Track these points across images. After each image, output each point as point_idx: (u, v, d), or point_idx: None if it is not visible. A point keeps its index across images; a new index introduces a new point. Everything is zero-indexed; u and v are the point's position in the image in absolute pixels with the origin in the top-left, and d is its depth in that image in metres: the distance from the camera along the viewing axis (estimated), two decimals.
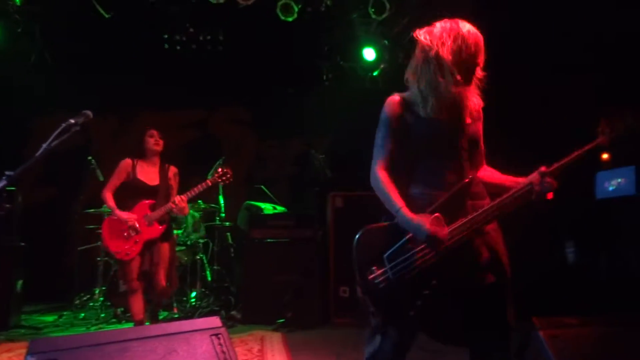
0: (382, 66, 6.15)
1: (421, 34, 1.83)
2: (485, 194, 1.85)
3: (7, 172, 2.22)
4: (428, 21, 1.91)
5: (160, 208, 3.82)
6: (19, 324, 4.64)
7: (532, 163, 1.83)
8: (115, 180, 3.88)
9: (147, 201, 3.86)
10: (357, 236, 1.76)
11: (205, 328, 1.76)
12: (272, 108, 6.76)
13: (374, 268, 1.72)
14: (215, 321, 1.82)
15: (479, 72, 1.81)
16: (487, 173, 1.94)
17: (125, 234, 3.76)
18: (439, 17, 1.85)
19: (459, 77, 1.73)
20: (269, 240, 4.94)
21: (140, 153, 3.97)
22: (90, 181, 5.42)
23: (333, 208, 5.04)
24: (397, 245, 1.72)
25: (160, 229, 3.82)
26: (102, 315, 4.88)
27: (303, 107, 6.60)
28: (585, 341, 1.90)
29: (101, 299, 5.00)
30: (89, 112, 2.52)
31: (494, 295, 1.75)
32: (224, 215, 5.52)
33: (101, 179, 5.33)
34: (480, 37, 1.79)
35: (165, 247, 3.89)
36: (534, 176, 1.76)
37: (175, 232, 5.30)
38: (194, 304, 5.10)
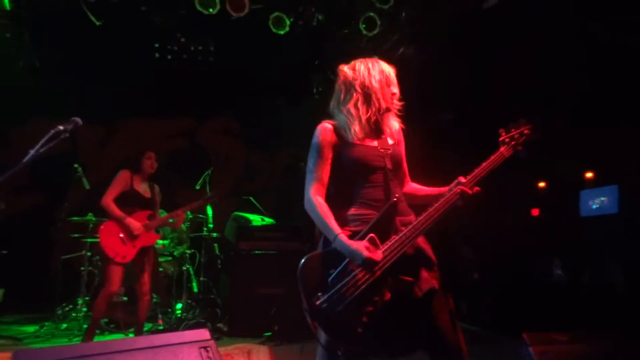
0: None
1: (345, 69, 2.05)
2: (410, 211, 2.00)
3: None
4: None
5: (159, 218, 4.21)
6: None
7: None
8: (116, 189, 4.06)
9: (145, 211, 4.14)
10: (300, 264, 1.83)
11: (194, 340, 1.74)
12: (262, 120, 6.79)
13: (319, 294, 1.78)
14: (204, 334, 1.80)
15: (396, 101, 2.02)
16: (413, 187, 2.13)
17: (123, 237, 3.97)
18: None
19: (382, 105, 1.96)
20: (256, 252, 4.91)
21: (135, 168, 4.20)
22: (76, 189, 5.35)
23: None
24: (338, 269, 1.80)
25: (156, 237, 4.21)
26: (85, 326, 4.77)
27: (292, 119, 6.63)
28: (574, 357, 1.92)
29: (84, 309, 4.89)
30: (78, 119, 2.50)
31: (439, 302, 1.86)
32: (211, 226, 5.48)
33: (87, 187, 5.27)
34: (393, 72, 2.04)
35: (152, 253, 4.22)
36: (454, 185, 1.92)
37: (161, 242, 5.26)
38: (179, 315, 5.03)
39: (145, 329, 4.85)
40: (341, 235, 1.81)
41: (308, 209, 1.92)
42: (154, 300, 4.98)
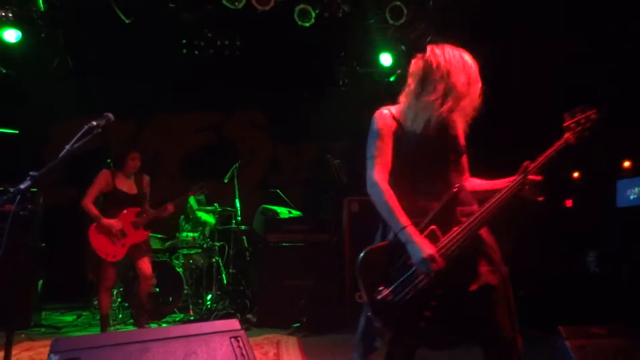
0: (398, 72, 6.14)
1: (431, 54, 1.88)
2: (472, 200, 1.91)
3: (31, 173, 2.27)
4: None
5: (148, 213, 4.26)
6: (39, 323, 4.72)
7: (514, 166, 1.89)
8: (94, 190, 4.17)
9: (133, 209, 4.23)
10: (359, 258, 1.78)
11: (225, 330, 1.77)
12: (288, 113, 6.80)
13: (380, 288, 1.74)
14: (234, 324, 1.83)
15: (473, 101, 1.87)
16: (474, 183, 2.02)
17: (112, 238, 4.11)
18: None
19: (460, 104, 1.82)
20: (284, 244, 4.95)
21: (119, 166, 4.33)
22: None
23: (349, 212, 5.03)
24: (400, 263, 1.75)
25: (146, 233, 4.27)
26: (120, 316, 4.94)
27: (319, 112, 6.62)
28: (613, 352, 1.85)
29: (119, 299, 5.06)
30: (110, 115, 2.57)
31: (496, 297, 1.79)
32: (240, 218, 5.55)
33: None
34: (476, 70, 1.88)
35: (147, 242, 4.38)
36: (519, 173, 1.83)
37: (191, 235, 5.35)
38: (209, 306, 5.13)
39: (177, 319, 4.99)
40: (410, 228, 1.73)
41: (372, 196, 1.84)
42: (185, 291, 5.09)
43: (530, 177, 1.80)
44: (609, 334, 1.91)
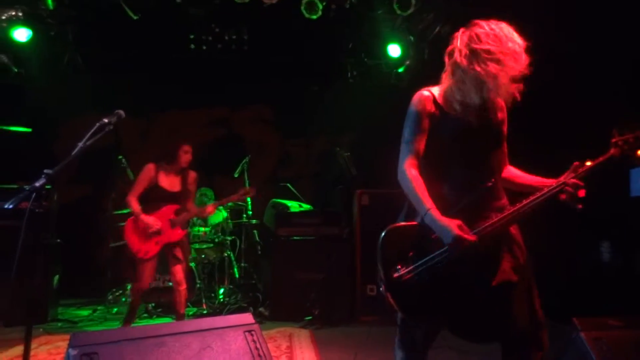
0: (407, 62, 6.10)
1: (475, 30, 1.78)
2: (504, 195, 1.88)
3: (45, 171, 2.30)
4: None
5: (187, 213, 4.10)
6: (55, 318, 4.81)
7: (553, 166, 1.85)
8: (139, 186, 4.05)
9: (172, 206, 4.07)
10: (382, 235, 1.79)
11: (239, 324, 1.79)
12: (296, 106, 6.79)
13: (398, 267, 1.74)
14: (247, 318, 1.84)
15: (516, 75, 1.76)
16: (512, 173, 1.96)
17: (147, 234, 3.96)
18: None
19: (504, 82, 1.72)
20: (295, 237, 4.97)
21: (167, 159, 4.11)
22: (121, 180, 5.56)
23: (359, 205, 5.03)
24: (421, 245, 1.75)
25: (181, 233, 4.09)
26: None
27: (327, 105, 6.60)
28: (630, 344, 1.82)
29: None
30: (121, 112, 2.58)
31: (516, 293, 1.77)
32: (250, 213, 5.58)
33: (132, 177, 5.46)
34: (522, 43, 1.76)
35: (186, 246, 4.17)
36: (566, 175, 1.76)
37: (202, 229, 5.40)
38: (222, 300, 5.18)
39: (190, 313, 5.03)
40: (433, 210, 1.71)
41: (401, 181, 1.82)
42: (198, 285, 5.15)
43: (574, 180, 1.74)
44: (625, 326, 1.88)
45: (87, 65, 6.03)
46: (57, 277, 4.92)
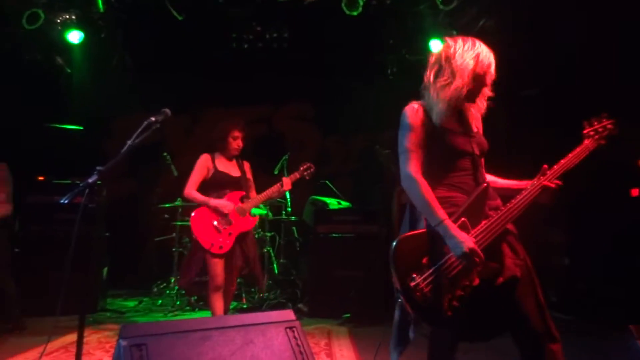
0: None
1: (444, 45, 1.99)
2: (496, 195, 1.98)
3: (97, 167, 2.40)
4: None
5: (254, 200, 3.71)
6: (104, 308, 5.03)
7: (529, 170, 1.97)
8: (196, 177, 3.70)
9: (237, 192, 3.71)
10: (393, 247, 1.82)
11: (280, 321, 1.81)
12: (336, 103, 6.79)
13: (414, 275, 1.77)
14: (289, 314, 1.87)
15: (487, 91, 1.97)
16: (490, 179, 2.06)
17: (217, 225, 3.56)
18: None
19: (464, 91, 1.90)
20: (334, 235, 4.98)
21: (219, 147, 3.81)
22: (166, 176, 5.75)
23: (399, 204, 4.97)
24: (433, 252, 1.80)
25: (253, 220, 3.72)
26: (178, 302, 5.16)
27: (367, 102, 6.56)
28: None
29: (176, 287, 5.28)
30: (167, 110, 2.67)
31: (522, 288, 1.82)
32: (290, 209, 5.63)
33: (175, 174, 5.64)
34: (493, 60, 1.95)
35: (253, 241, 3.83)
36: (538, 176, 1.91)
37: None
38: (261, 295, 5.25)
39: (231, 307, 5.13)
40: (447, 221, 1.78)
41: (407, 187, 1.88)
42: (238, 280, 5.24)
43: (546, 182, 1.87)
44: None
45: (135, 65, 6.25)
46: (106, 269, 5.14)
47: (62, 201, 2.33)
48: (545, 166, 1.91)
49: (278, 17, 5.92)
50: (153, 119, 2.60)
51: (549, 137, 4.59)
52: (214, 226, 3.55)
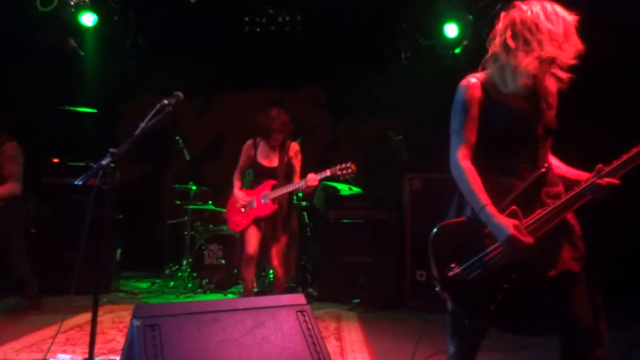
0: (464, 43, 5.84)
1: (516, 7, 1.74)
2: (559, 181, 1.82)
3: (111, 150, 2.42)
4: None
5: (280, 188, 3.82)
6: (118, 289, 5.12)
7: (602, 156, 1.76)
8: (241, 163, 4.06)
9: (270, 182, 3.91)
10: (432, 233, 1.75)
11: (291, 304, 1.82)
12: (348, 88, 6.73)
13: (452, 265, 1.71)
14: (300, 298, 1.87)
15: (569, 60, 1.70)
16: (553, 163, 1.90)
17: (241, 207, 3.93)
18: None
19: (546, 56, 1.66)
20: (345, 220, 4.99)
21: (261, 133, 3.95)
22: (178, 159, 5.78)
23: (410, 190, 4.94)
24: (476, 241, 1.70)
25: (271, 208, 3.82)
26: (189, 285, 5.23)
27: (380, 87, 6.49)
28: None
29: (188, 270, 5.35)
30: (180, 94, 2.68)
31: (577, 285, 1.71)
32: (301, 195, 5.63)
33: (187, 157, 5.67)
34: (573, 25, 1.70)
35: (279, 230, 3.89)
36: (592, 177, 1.71)
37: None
38: (272, 279, 5.29)
39: (242, 290, 5.19)
40: (490, 206, 1.67)
41: (454, 174, 1.78)
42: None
43: (599, 181, 1.67)
44: None
45: (148, 48, 6.25)
46: (119, 250, 5.22)
47: (76, 182, 2.36)
48: (600, 165, 1.71)
49: (291, 1, 5.86)
50: (166, 102, 2.61)
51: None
52: (239, 208, 3.96)
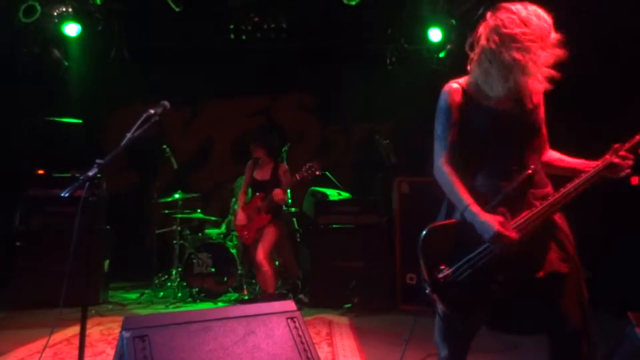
0: (448, 47, 5.92)
1: (497, 12, 1.75)
2: (547, 182, 1.82)
3: (97, 160, 2.40)
4: None
5: (267, 199, 4.48)
6: (106, 300, 5.05)
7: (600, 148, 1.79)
8: (245, 182, 4.77)
9: (261, 195, 4.57)
10: (421, 237, 1.75)
11: (282, 311, 1.82)
12: (336, 94, 6.77)
13: (442, 267, 1.71)
14: (290, 305, 1.87)
15: (554, 59, 1.71)
16: (552, 156, 1.91)
17: (248, 220, 4.60)
18: None
19: (529, 64, 1.67)
20: (334, 226, 4.99)
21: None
22: (165, 168, 5.74)
23: (399, 194, 4.97)
24: (464, 242, 1.72)
25: (267, 217, 4.50)
26: (179, 294, 5.18)
27: (367, 92, 6.54)
28: None
29: (178, 279, 5.30)
30: (166, 103, 2.66)
31: (566, 286, 1.73)
32: (290, 201, 5.63)
33: (175, 166, 5.64)
34: (550, 23, 1.71)
35: (269, 230, 4.52)
36: (607, 155, 1.73)
37: None
38: (296, 281, 5.29)
39: (232, 298, 5.17)
40: (473, 205, 1.69)
41: (438, 179, 1.81)
42: (239, 272, 5.26)
43: (617, 160, 1.71)
44: None
45: (133, 58, 6.22)
46: (107, 261, 5.16)
47: (62, 194, 2.33)
48: (616, 145, 1.74)
49: (276, 8, 5.88)
50: (152, 111, 2.59)
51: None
52: (246, 221, 4.60)
